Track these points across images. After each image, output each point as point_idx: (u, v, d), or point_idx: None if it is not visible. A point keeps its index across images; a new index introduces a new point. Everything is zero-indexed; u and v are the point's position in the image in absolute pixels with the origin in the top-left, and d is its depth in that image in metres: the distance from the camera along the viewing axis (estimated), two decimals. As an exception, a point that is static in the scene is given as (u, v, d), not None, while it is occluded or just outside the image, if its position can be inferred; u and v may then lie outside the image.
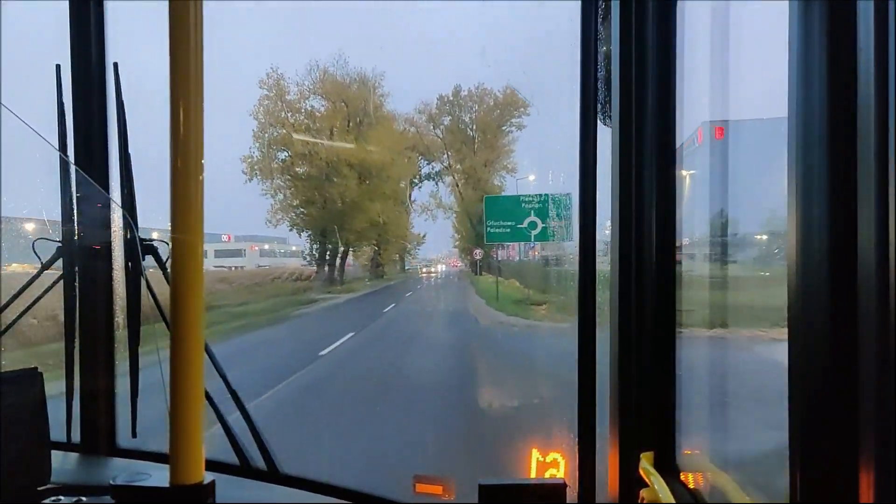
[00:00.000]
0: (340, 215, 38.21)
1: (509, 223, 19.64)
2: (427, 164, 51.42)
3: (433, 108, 49.29)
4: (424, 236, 53.95)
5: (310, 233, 39.59)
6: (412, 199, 51.63)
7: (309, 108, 38.85)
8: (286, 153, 37.81)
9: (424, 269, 61.23)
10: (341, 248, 40.95)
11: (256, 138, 36.63)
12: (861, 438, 0.65)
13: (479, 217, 47.52)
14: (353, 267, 48.11)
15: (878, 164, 0.63)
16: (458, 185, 49.98)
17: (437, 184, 51.68)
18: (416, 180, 50.53)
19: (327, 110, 39.15)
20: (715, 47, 1.47)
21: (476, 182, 47.97)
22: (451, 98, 48.97)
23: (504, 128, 48.38)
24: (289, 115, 37.99)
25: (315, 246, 40.51)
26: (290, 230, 39.40)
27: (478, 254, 40.19)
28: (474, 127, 49.63)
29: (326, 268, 40.25)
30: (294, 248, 52.15)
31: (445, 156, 50.53)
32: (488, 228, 20.00)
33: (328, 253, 40.22)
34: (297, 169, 38.12)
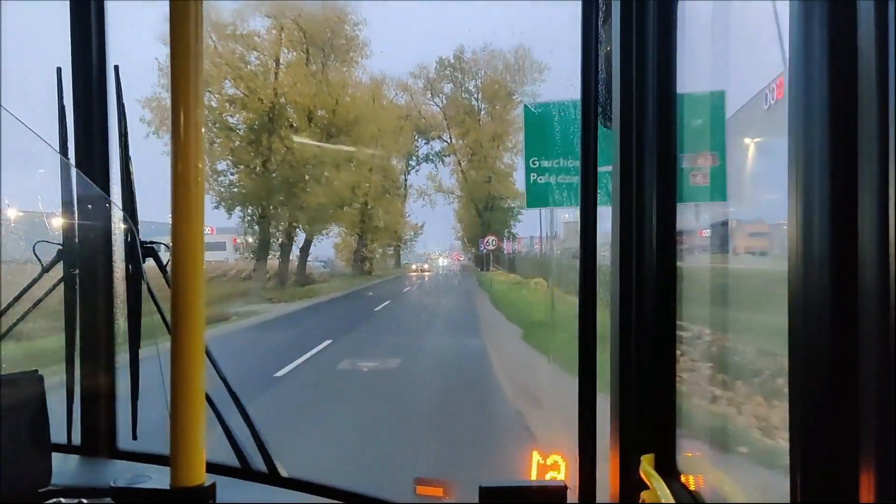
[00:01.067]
0: (288, 186, 26.50)
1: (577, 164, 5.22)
2: (425, 143, 43.80)
3: (431, 73, 41.76)
4: (422, 226, 45.99)
5: (242, 211, 27.54)
6: (407, 182, 43.23)
7: (245, 32, 26.62)
8: (210, 94, 25.42)
9: (415, 267, 48.09)
10: (302, 236, 29.51)
11: (165, 73, 22.21)
12: (861, 438, 0.65)
13: (485, 201, 41.50)
14: (326, 262, 39.53)
15: (879, 163, 0.62)
16: (460, 164, 42.98)
17: (436, 166, 44.84)
18: (412, 161, 43.17)
19: (270, 34, 27.13)
20: (715, 47, 1.47)
21: (481, 160, 41.05)
22: (453, 62, 41.40)
23: (516, 97, 40.19)
24: (218, 42, 25.69)
25: (252, 229, 28.26)
26: (216, 207, 26.40)
27: (489, 242, 32.10)
28: (480, 96, 42.24)
29: (278, 262, 28.95)
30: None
31: (445, 130, 42.81)
32: (533, 177, 8.74)
33: (279, 241, 28.93)
34: (228, 117, 26.61)
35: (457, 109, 42.06)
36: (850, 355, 0.66)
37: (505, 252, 37.65)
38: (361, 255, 37.58)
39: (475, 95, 42.71)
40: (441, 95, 42.85)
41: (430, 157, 44.96)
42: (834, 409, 0.68)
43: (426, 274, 45.70)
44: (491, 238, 32.36)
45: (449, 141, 43.67)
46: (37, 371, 1.60)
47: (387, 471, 5.26)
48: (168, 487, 1.27)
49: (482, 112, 42.56)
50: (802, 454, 0.73)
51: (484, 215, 40.84)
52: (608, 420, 1.51)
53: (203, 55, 1.25)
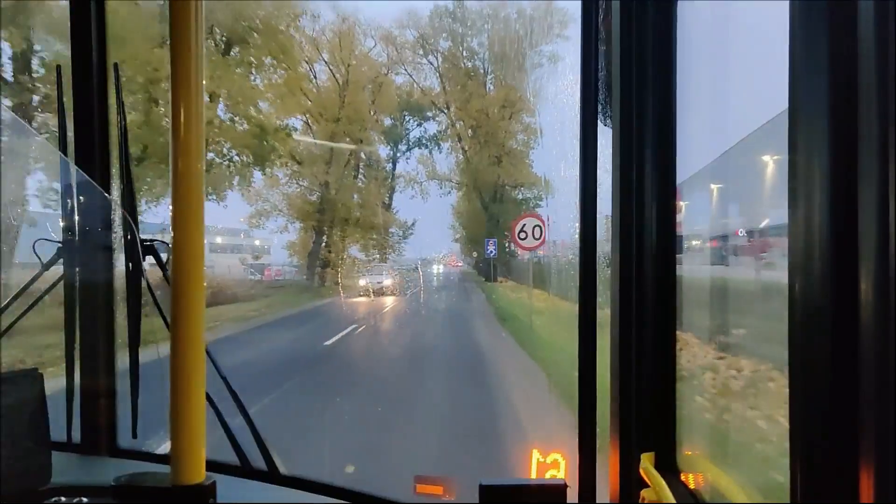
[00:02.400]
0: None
1: None
2: (417, 124, 32.87)
3: (424, 24, 30.91)
4: (413, 224, 33.57)
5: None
6: (395, 172, 32.64)
7: None
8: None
9: (363, 283, 26.03)
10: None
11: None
12: (861, 438, 0.65)
13: (492, 190, 31.12)
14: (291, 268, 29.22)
15: (879, 163, 0.62)
16: (460, 141, 31.91)
17: (430, 151, 33.43)
18: (402, 146, 33.15)
19: None
20: (715, 47, 1.47)
21: (488, 136, 30.44)
22: (453, 11, 31.02)
23: (534, 57, 28.50)
24: None
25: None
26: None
27: (527, 232, 15.76)
28: (486, 55, 31.41)
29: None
30: (258, 243, 36.97)
31: (441, 96, 31.85)
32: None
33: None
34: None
35: (456, 71, 31.72)
36: (850, 355, 0.66)
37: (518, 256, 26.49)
38: (322, 260, 25.82)
39: (479, 55, 32.14)
40: (436, 53, 31.83)
41: (423, 141, 33.88)
42: (834, 409, 0.69)
43: (386, 297, 24.63)
44: (530, 220, 16.03)
45: (445, 110, 32.51)
46: (36, 369, 1.60)
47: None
48: (168, 485, 1.27)
49: (489, 75, 32.13)
50: (802, 454, 0.73)
51: (491, 208, 30.90)
52: (608, 418, 1.51)
53: (203, 55, 1.25)
